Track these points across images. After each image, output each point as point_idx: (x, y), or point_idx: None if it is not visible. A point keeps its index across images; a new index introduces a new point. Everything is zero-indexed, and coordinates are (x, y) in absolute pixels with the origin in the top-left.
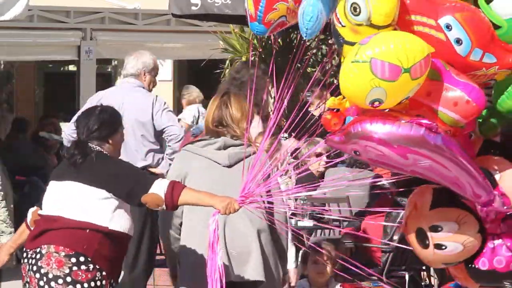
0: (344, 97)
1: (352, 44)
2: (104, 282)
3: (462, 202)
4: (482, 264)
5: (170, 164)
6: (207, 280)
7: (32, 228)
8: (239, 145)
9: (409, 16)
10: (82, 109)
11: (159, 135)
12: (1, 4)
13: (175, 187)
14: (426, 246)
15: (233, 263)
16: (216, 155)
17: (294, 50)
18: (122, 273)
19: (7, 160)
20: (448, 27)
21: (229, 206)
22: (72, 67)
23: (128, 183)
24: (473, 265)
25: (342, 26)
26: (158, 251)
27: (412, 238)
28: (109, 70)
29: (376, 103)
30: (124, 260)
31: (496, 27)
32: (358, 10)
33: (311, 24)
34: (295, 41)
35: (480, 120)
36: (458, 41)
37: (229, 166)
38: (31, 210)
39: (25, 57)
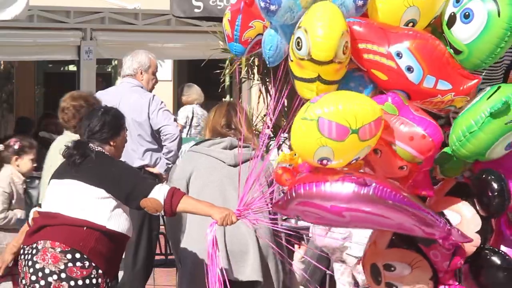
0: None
1: (300, 79)
2: (100, 280)
3: (419, 246)
4: None
5: (167, 164)
6: (205, 283)
7: None
8: (245, 147)
9: (360, 44)
10: None
11: (156, 135)
12: (1, 4)
13: (175, 194)
14: (378, 283)
15: (232, 262)
16: (222, 154)
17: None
18: (122, 273)
19: None
20: (399, 55)
21: (227, 218)
22: (72, 67)
23: (127, 186)
24: None
25: (291, 60)
26: (158, 251)
27: (367, 272)
28: (109, 70)
29: (325, 161)
30: (122, 260)
31: (458, 52)
32: (300, 44)
33: (272, 52)
34: None
35: (442, 160)
36: (409, 69)
37: (235, 165)
38: (33, 210)
39: (25, 57)
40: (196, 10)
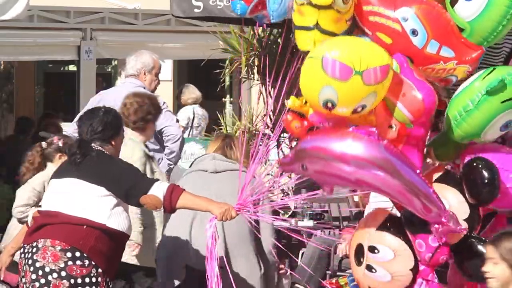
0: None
1: (299, 28)
2: (99, 279)
3: (407, 236)
4: None
5: (169, 164)
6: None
7: None
8: (228, 161)
9: (367, 6)
10: (85, 108)
11: (158, 135)
12: (1, 4)
13: (175, 191)
14: (359, 264)
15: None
16: (206, 165)
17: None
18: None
19: (7, 160)
20: (405, 18)
21: (226, 213)
22: (72, 67)
23: (127, 183)
24: None
25: (293, 11)
26: None
27: (352, 252)
28: (109, 70)
29: (329, 105)
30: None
31: (460, 30)
32: None
33: (276, 6)
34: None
35: (437, 144)
36: (414, 32)
37: (216, 172)
38: (32, 210)
39: (25, 57)
40: (196, 10)
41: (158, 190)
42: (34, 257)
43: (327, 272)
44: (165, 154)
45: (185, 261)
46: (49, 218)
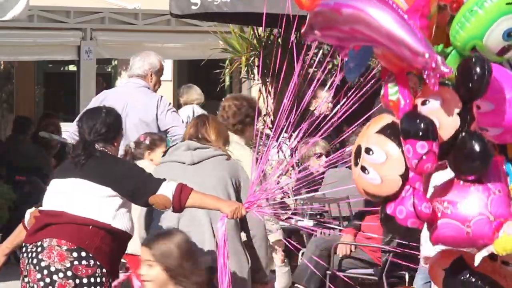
0: None
1: None
2: (104, 279)
3: (400, 141)
4: (389, 208)
5: None
6: None
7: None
8: (206, 148)
9: None
10: (86, 108)
11: (163, 136)
12: (1, 4)
13: (183, 190)
14: (356, 165)
15: None
16: (182, 156)
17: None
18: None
19: (7, 160)
20: None
21: (237, 211)
22: (72, 67)
23: (134, 183)
24: (384, 209)
25: None
26: None
27: (352, 155)
28: (109, 70)
29: None
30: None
31: None
32: None
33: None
34: (295, 41)
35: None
36: None
37: (193, 164)
38: (29, 211)
39: (25, 57)
40: (193, 7)
41: (167, 190)
42: (39, 257)
43: (327, 272)
44: None
45: None
46: (54, 217)
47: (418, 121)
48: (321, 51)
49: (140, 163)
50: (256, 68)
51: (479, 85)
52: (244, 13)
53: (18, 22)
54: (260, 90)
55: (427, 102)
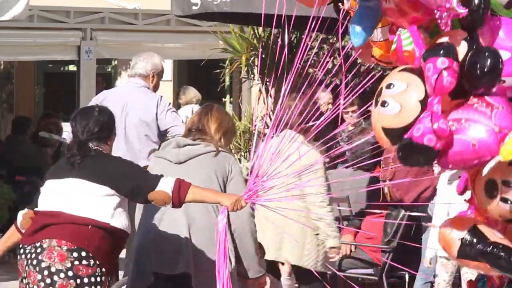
0: None
1: None
2: (103, 278)
3: (422, 74)
4: (406, 135)
5: None
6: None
7: (23, 231)
8: (194, 144)
9: None
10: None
11: (162, 136)
12: (1, 4)
13: (182, 185)
14: (376, 105)
15: (166, 255)
16: (169, 153)
17: (294, 50)
18: (122, 272)
19: (7, 160)
20: None
21: (237, 203)
22: (72, 67)
23: (133, 180)
24: (401, 139)
25: None
26: None
27: (375, 99)
28: (109, 70)
29: None
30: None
31: None
32: None
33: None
34: (295, 41)
35: None
36: None
37: (179, 163)
38: (21, 212)
39: (25, 57)
40: (194, 8)
41: (166, 186)
42: (39, 257)
43: (328, 272)
44: None
45: (151, 268)
46: (52, 218)
47: (439, 44)
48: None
49: None
50: (256, 68)
51: (478, 14)
52: (244, 13)
53: (18, 22)
54: (260, 90)
55: None
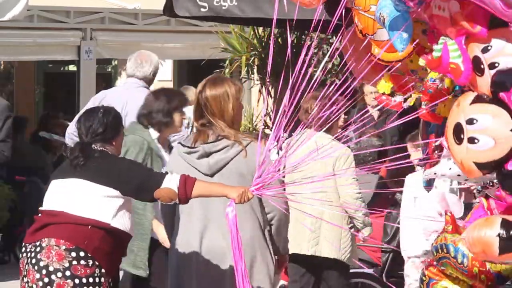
0: None
1: None
2: (102, 279)
3: (501, 101)
4: (509, 165)
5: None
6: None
7: None
8: (221, 149)
9: None
10: (85, 108)
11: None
12: (0, 4)
13: (188, 181)
14: (460, 142)
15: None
16: (198, 163)
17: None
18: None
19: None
20: None
21: (244, 195)
22: (72, 67)
23: (137, 179)
24: (504, 169)
25: None
26: None
27: (450, 135)
28: (109, 70)
29: None
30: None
31: None
32: None
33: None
34: (295, 41)
35: None
36: None
37: (211, 175)
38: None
39: (25, 57)
40: (203, 10)
41: (171, 183)
42: (38, 256)
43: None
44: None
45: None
46: (53, 217)
47: None
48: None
49: None
50: (256, 68)
51: None
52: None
53: (18, 22)
54: (260, 90)
55: (496, 64)
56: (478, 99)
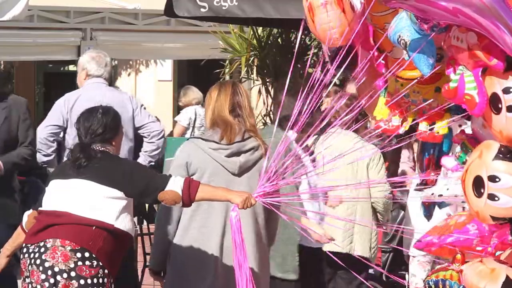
0: None
1: None
2: (105, 280)
3: None
4: None
5: (150, 162)
6: (194, 279)
7: (27, 231)
8: (250, 149)
9: None
10: (53, 110)
11: (135, 132)
12: (1, 4)
13: (192, 184)
14: (480, 195)
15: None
16: (226, 162)
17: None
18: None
19: None
20: None
21: (247, 201)
22: (72, 67)
23: (141, 181)
24: None
25: None
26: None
27: (468, 186)
28: None
29: None
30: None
31: None
32: None
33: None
34: (295, 41)
35: None
36: None
37: (239, 175)
38: (27, 213)
39: (25, 57)
40: (202, 10)
41: (175, 185)
42: (43, 257)
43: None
44: (146, 151)
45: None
46: (56, 218)
47: None
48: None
49: None
50: (255, 68)
51: None
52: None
53: (18, 22)
54: (260, 90)
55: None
56: (502, 155)
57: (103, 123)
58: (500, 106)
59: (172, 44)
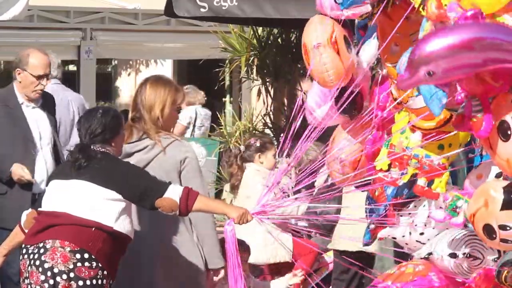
0: None
1: None
2: (104, 281)
3: None
4: None
5: None
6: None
7: (26, 230)
8: (143, 148)
9: None
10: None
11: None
12: (0, 4)
13: (190, 194)
14: (493, 239)
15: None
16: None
17: (295, 50)
18: None
19: None
20: None
21: (243, 217)
22: (72, 67)
23: (140, 185)
24: None
25: None
26: None
27: (479, 229)
28: (109, 70)
29: None
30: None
31: None
32: None
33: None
34: (294, 41)
35: None
36: None
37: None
38: (25, 212)
39: None
40: (202, 10)
41: (174, 193)
42: (42, 258)
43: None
44: None
45: None
46: (56, 218)
47: None
48: None
49: (249, 165)
50: (255, 67)
51: None
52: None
53: (18, 22)
54: (260, 90)
55: None
56: (509, 204)
57: (102, 123)
58: (509, 132)
59: (172, 44)
